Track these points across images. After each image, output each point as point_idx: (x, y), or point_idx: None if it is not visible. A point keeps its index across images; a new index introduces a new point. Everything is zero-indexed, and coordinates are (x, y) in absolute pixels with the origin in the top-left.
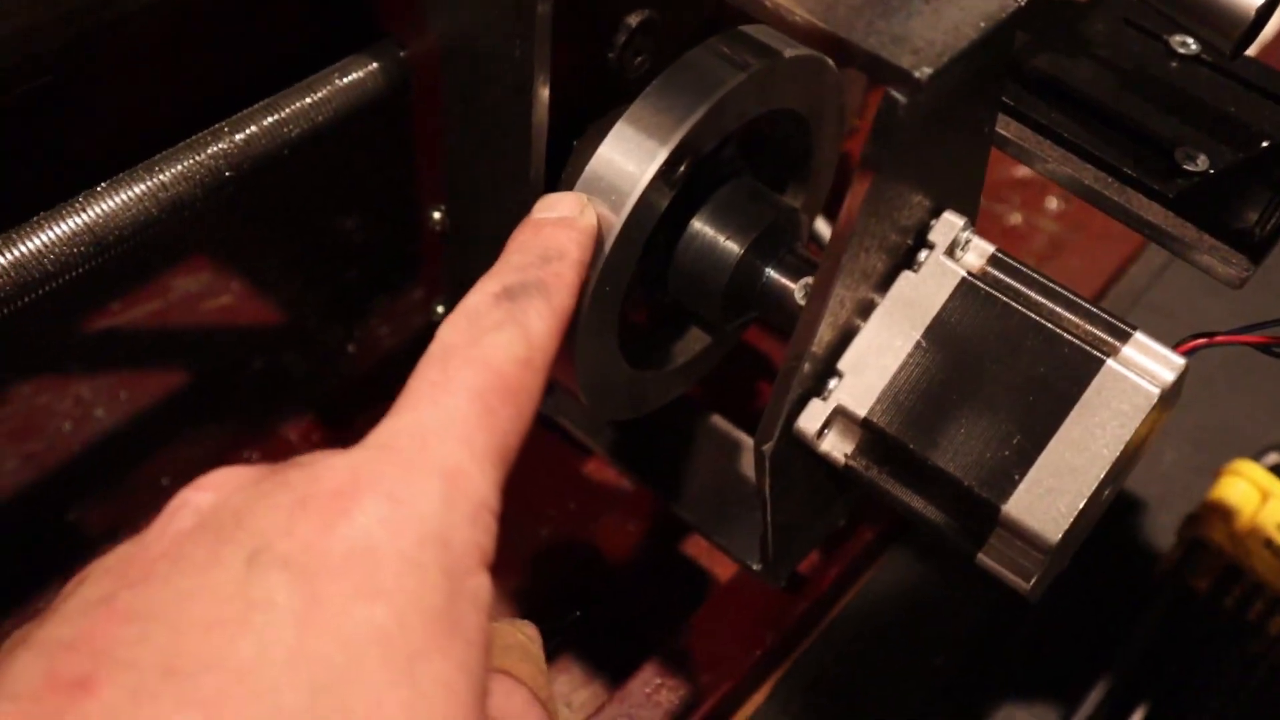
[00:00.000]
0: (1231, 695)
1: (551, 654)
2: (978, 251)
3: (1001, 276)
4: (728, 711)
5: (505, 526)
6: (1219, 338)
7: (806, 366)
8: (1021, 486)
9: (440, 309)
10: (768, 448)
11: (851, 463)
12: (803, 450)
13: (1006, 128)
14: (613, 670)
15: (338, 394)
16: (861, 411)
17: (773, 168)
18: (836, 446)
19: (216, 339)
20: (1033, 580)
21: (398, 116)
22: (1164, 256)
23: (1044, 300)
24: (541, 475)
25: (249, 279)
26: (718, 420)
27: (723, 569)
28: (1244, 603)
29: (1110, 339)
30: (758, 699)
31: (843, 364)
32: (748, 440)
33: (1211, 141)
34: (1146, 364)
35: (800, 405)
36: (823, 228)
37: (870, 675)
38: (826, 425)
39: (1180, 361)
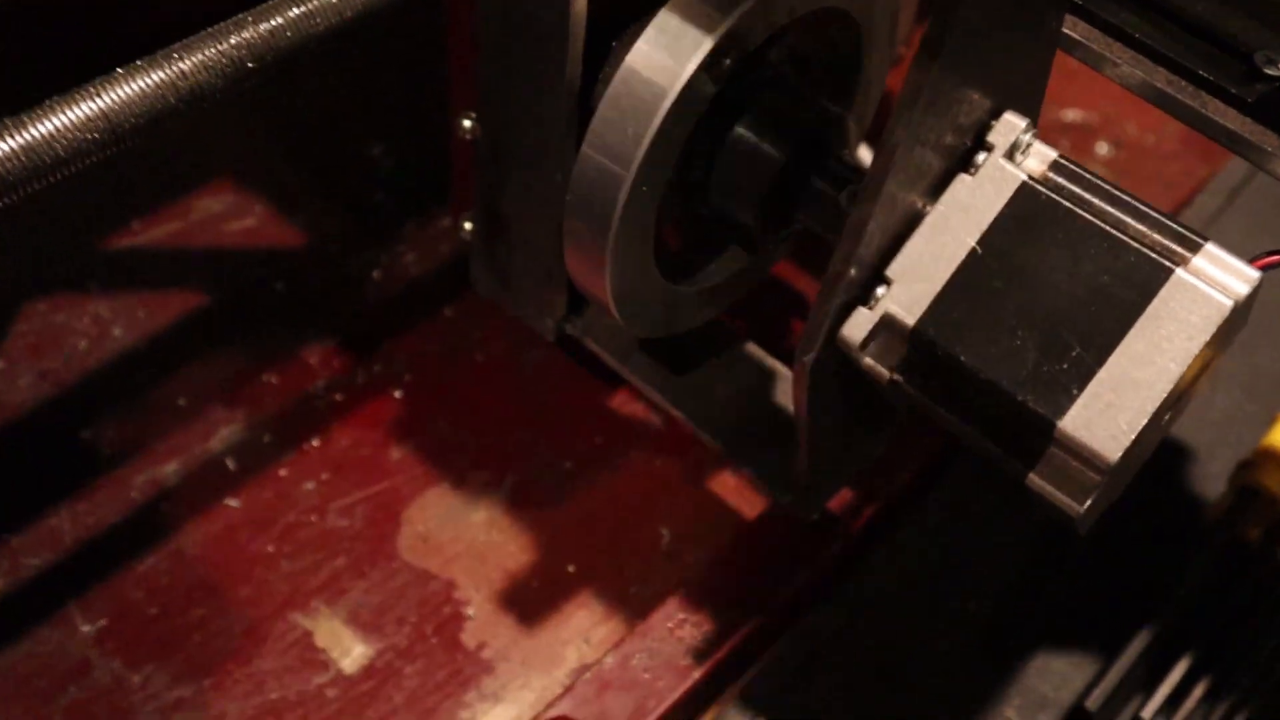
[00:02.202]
0: (1277, 652)
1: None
2: (1039, 156)
3: (1064, 182)
4: (754, 651)
5: (528, 459)
6: None
7: (853, 272)
8: (1079, 402)
9: (467, 225)
10: (809, 358)
11: (897, 378)
12: (845, 365)
13: (1074, 28)
14: (634, 607)
15: (361, 319)
16: (910, 320)
17: (820, 81)
18: (882, 359)
19: (238, 261)
20: (1086, 504)
21: (429, 16)
22: (1218, 202)
23: (1109, 208)
24: (566, 408)
25: (273, 202)
26: (752, 348)
27: (751, 508)
28: None
29: (1180, 249)
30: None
31: (892, 271)
32: (783, 369)
33: None
34: (1218, 275)
35: (845, 313)
36: (865, 155)
37: (902, 620)
38: (872, 336)
39: (1254, 274)
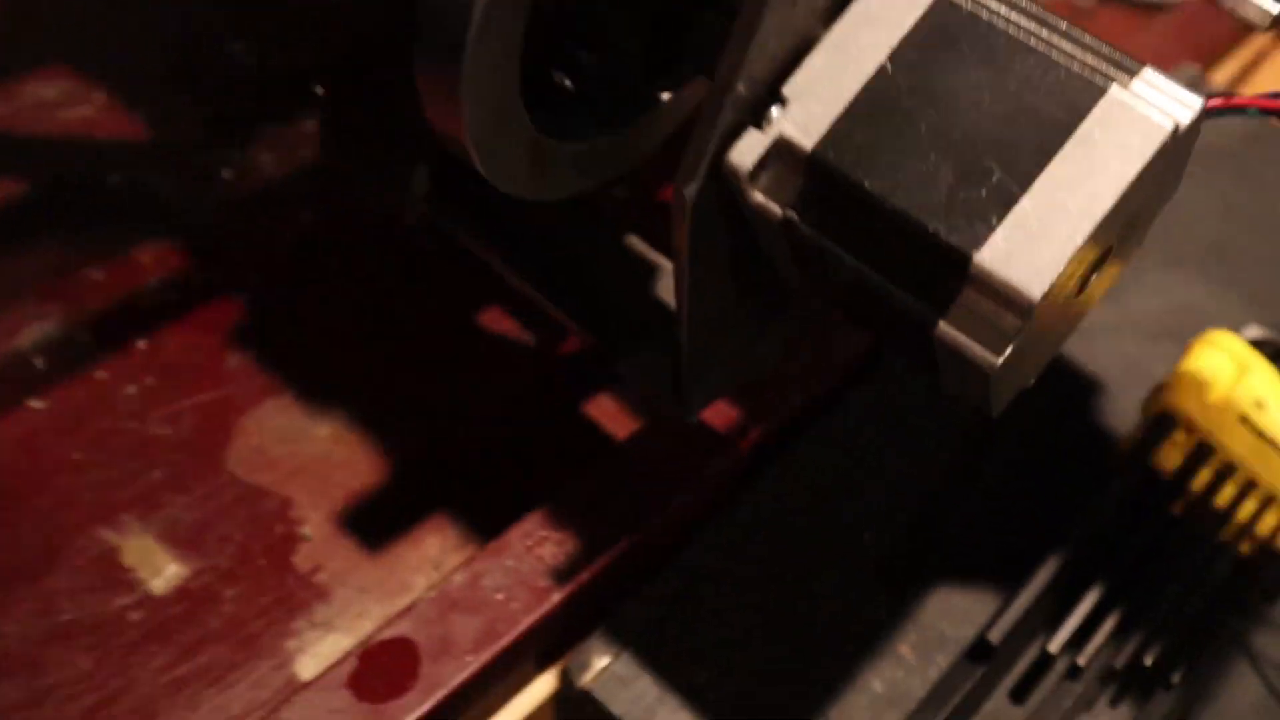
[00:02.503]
0: (1194, 585)
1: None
2: None
3: (983, 1)
4: (625, 576)
5: (381, 371)
6: (1244, 99)
7: (742, 87)
8: (999, 232)
9: (321, 90)
10: (691, 189)
11: (791, 214)
12: (731, 211)
13: None
14: (493, 533)
15: (205, 218)
16: (808, 144)
17: None
18: (774, 193)
19: (70, 151)
20: (1004, 354)
21: None
22: None
23: (1037, 27)
24: (430, 319)
25: (115, 92)
26: (633, 240)
27: (624, 429)
28: (1213, 486)
29: (1116, 71)
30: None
31: (788, 88)
32: (665, 263)
33: None
34: (1157, 99)
35: (732, 137)
36: None
37: (791, 551)
38: (764, 164)
39: (1197, 101)
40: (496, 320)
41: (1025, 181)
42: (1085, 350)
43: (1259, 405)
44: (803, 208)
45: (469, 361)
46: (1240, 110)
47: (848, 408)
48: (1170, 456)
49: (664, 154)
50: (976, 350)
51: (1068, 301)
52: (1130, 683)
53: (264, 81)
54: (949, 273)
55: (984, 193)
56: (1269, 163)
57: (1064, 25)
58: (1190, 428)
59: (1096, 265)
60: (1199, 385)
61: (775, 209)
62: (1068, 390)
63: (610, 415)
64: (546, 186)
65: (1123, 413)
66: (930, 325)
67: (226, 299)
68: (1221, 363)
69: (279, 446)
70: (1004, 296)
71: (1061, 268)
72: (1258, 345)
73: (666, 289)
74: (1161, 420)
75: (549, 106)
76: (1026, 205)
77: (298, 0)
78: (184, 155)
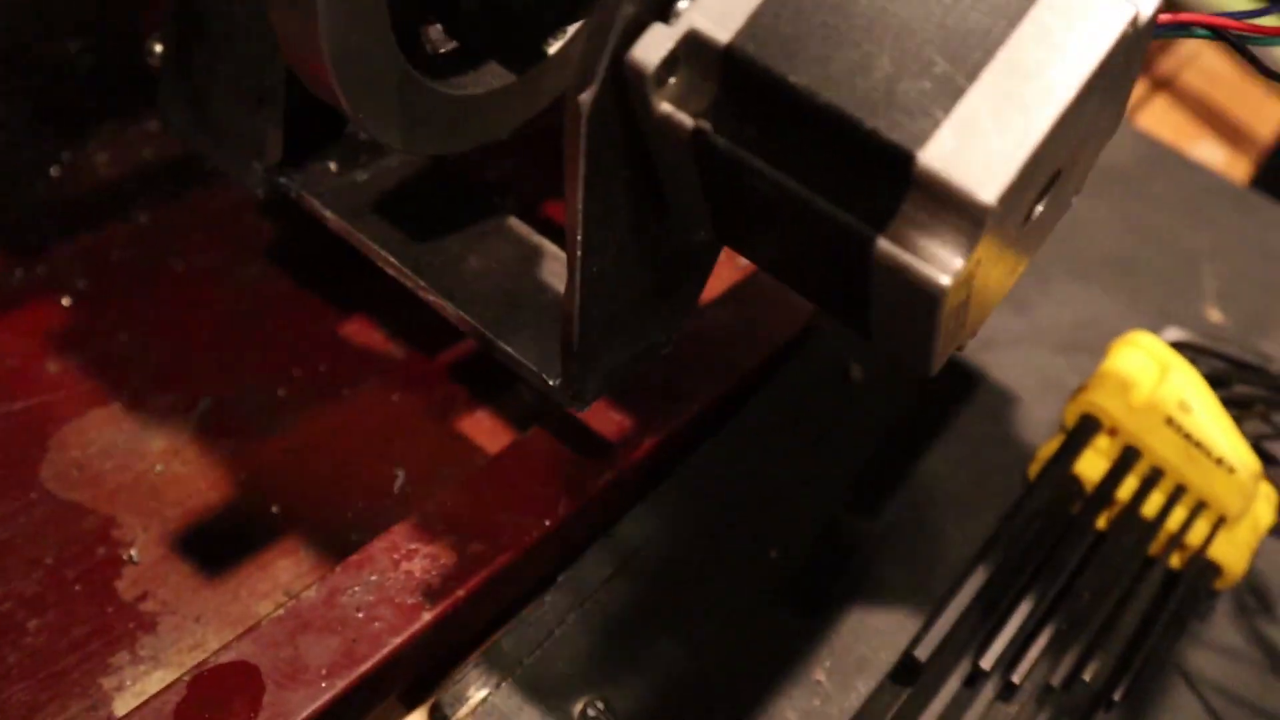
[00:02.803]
0: (1124, 600)
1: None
2: None
3: None
4: (508, 593)
5: (230, 382)
6: (1191, 16)
7: None
8: (945, 128)
9: (158, 46)
10: (587, 95)
11: (704, 124)
12: (631, 134)
13: None
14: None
15: (29, 216)
16: (724, 36)
17: None
18: (684, 102)
19: None
20: (954, 271)
21: None
22: None
23: None
24: (284, 330)
25: None
26: (515, 222)
27: (502, 446)
28: (1140, 493)
29: None
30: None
31: None
32: (549, 246)
33: None
34: None
35: (634, 35)
36: None
37: (691, 570)
38: (671, 64)
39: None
40: (361, 316)
41: (973, 71)
42: (996, 362)
43: (1183, 407)
44: (717, 116)
45: (330, 364)
46: (1186, 28)
47: (747, 414)
48: (1094, 464)
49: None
50: (922, 271)
51: (1016, 233)
52: (1068, 703)
53: (103, 78)
54: (889, 178)
55: (926, 84)
56: (1162, 180)
57: None
58: (1115, 430)
59: (1045, 190)
60: (1122, 386)
61: (684, 119)
62: (981, 402)
63: (488, 429)
64: (416, 133)
65: (1038, 424)
66: (867, 244)
67: (50, 301)
68: (1144, 363)
69: (103, 461)
70: (954, 201)
71: (1019, 167)
72: (1178, 347)
73: (552, 272)
74: (1085, 424)
75: (427, 55)
76: (975, 98)
77: None
78: (5, 151)
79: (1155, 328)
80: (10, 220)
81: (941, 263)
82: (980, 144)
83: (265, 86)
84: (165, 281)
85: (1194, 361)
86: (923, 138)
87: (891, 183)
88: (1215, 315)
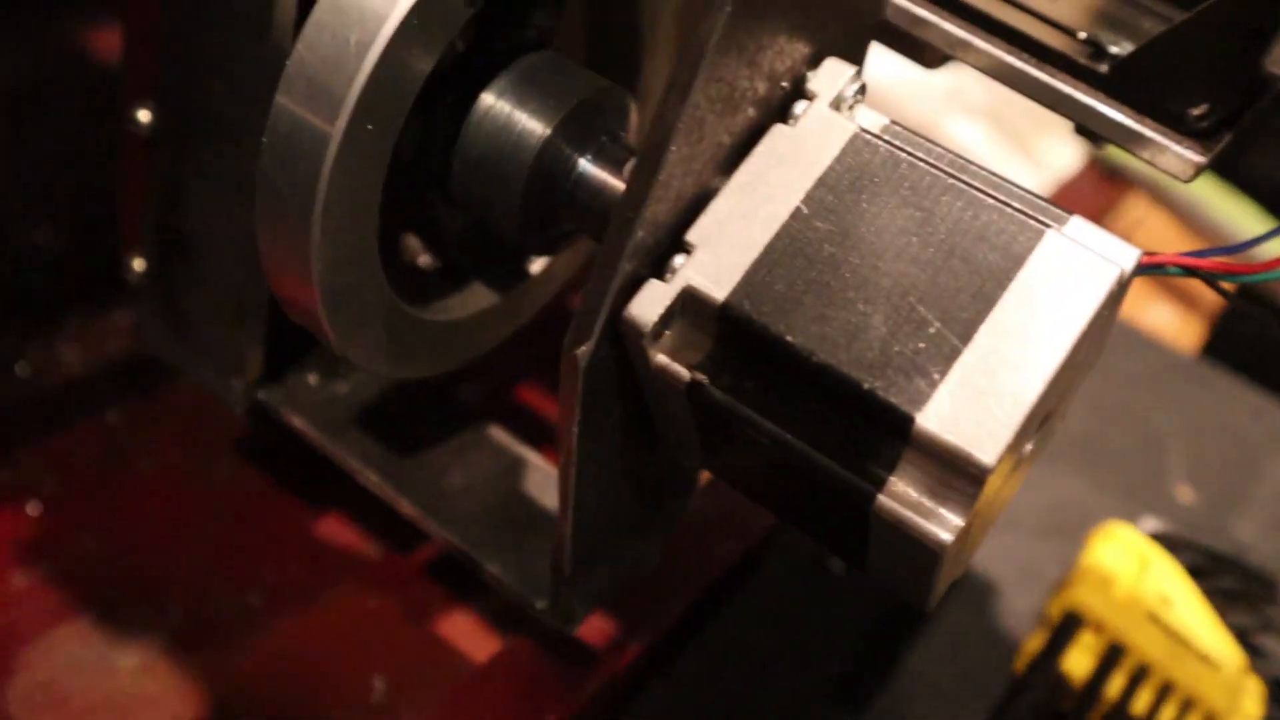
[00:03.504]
0: None
1: None
2: (869, 118)
3: (903, 142)
4: None
5: (201, 591)
6: (1167, 257)
7: (640, 234)
8: (942, 389)
9: (137, 264)
10: (584, 349)
11: (700, 377)
12: (626, 378)
13: (925, 9)
14: None
15: None
16: (719, 294)
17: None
18: (680, 354)
19: None
20: (954, 533)
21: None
22: None
23: (958, 170)
24: (257, 532)
25: None
26: (496, 431)
27: (484, 650)
28: (1129, 691)
29: (1045, 218)
30: None
31: (693, 235)
32: (531, 457)
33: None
34: (1096, 244)
35: (630, 291)
36: None
37: None
38: (667, 319)
39: (1135, 251)
40: (333, 512)
41: (966, 332)
42: None
43: (1165, 601)
44: (713, 369)
45: (303, 567)
46: (1161, 268)
47: (727, 614)
48: (1080, 661)
49: (521, 337)
50: (923, 528)
51: (1010, 471)
52: None
53: (68, 269)
54: (888, 437)
55: (921, 345)
56: (1121, 355)
57: (983, 169)
58: (1099, 628)
59: (1038, 430)
60: (1102, 581)
61: (680, 371)
62: (961, 592)
63: (468, 631)
64: (403, 362)
65: (1019, 615)
66: (866, 501)
67: (14, 509)
68: (1121, 556)
69: (72, 680)
70: (953, 462)
71: (1016, 428)
72: (1156, 539)
73: (535, 484)
74: (1068, 621)
75: (408, 273)
76: (970, 359)
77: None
78: None
79: (1128, 510)
80: None
81: (942, 520)
82: (977, 405)
83: (247, 305)
84: (134, 483)
85: (1173, 552)
86: (920, 399)
87: (890, 442)
88: (1187, 494)
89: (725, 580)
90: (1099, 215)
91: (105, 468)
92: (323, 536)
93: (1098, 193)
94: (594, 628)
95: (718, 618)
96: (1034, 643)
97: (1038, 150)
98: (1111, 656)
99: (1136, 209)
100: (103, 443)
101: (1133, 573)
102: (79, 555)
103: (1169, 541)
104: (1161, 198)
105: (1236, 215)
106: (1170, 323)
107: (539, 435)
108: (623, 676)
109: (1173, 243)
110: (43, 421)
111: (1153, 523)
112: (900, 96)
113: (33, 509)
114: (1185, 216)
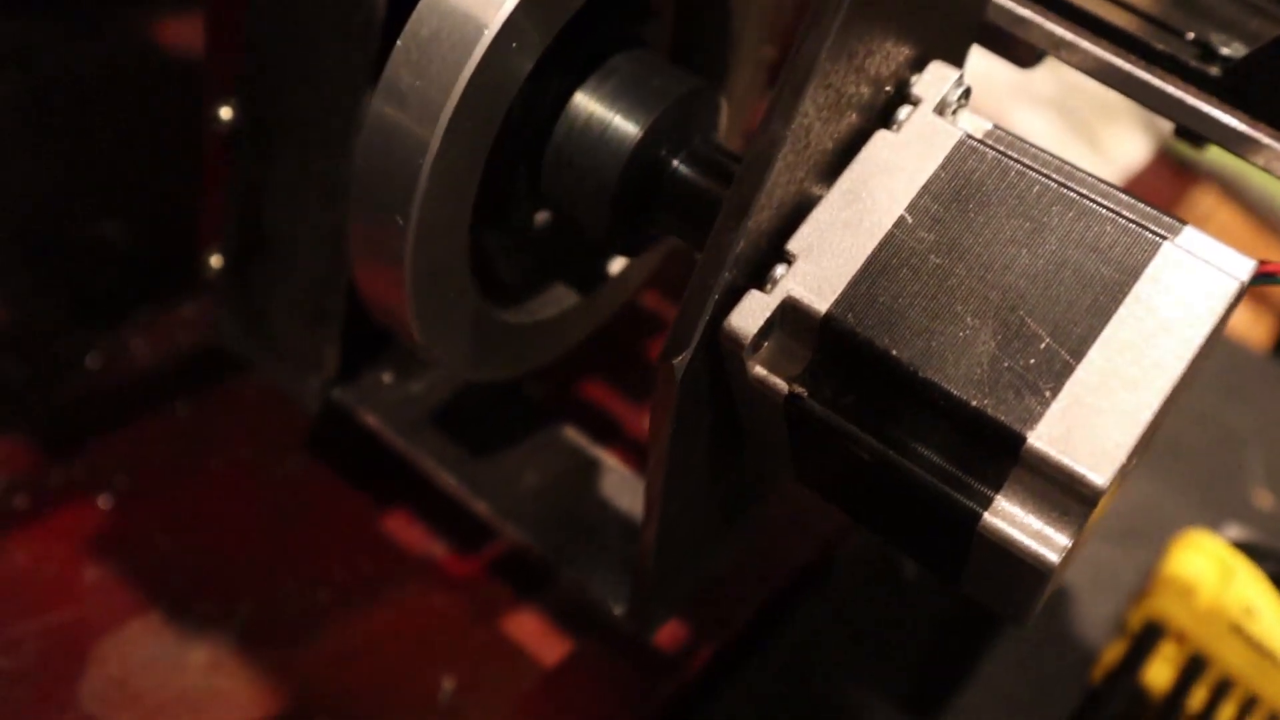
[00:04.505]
0: None
1: None
2: (973, 123)
3: (1010, 150)
4: None
5: (271, 587)
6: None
7: (741, 244)
8: (1054, 408)
9: (214, 260)
10: (681, 358)
11: (799, 390)
12: (719, 388)
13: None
14: None
15: (65, 411)
16: (821, 306)
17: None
18: (777, 366)
19: None
20: (1063, 549)
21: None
22: None
23: (1067, 178)
24: (325, 528)
25: None
26: (570, 432)
27: (554, 652)
28: (1211, 705)
29: (1158, 228)
30: None
31: (794, 244)
32: (605, 459)
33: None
34: (1211, 256)
35: (729, 301)
36: None
37: None
38: (766, 330)
39: (1250, 261)
40: (400, 509)
41: (1079, 348)
42: None
43: (1249, 612)
44: (813, 382)
45: (371, 564)
46: (1274, 277)
47: (800, 620)
48: (1160, 672)
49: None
50: (1029, 548)
51: (1116, 489)
52: None
53: (137, 262)
54: (995, 456)
55: (1032, 361)
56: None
57: (1091, 176)
58: (1181, 639)
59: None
60: (1184, 591)
61: (779, 383)
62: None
63: (536, 631)
64: (490, 363)
65: (1096, 622)
66: (971, 520)
67: (86, 502)
68: (1204, 566)
69: (145, 676)
70: (1064, 483)
71: (1130, 447)
72: (1238, 547)
73: (611, 486)
74: (1149, 631)
75: (492, 274)
76: (1083, 375)
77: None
78: (41, 341)
79: (1205, 514)
80: (48, 417)
81: (1049, 541)
82: (1090, 424)
83: (325, 303)
84: (203, 478)
85: (1256, 561)
86: (1031, 418)
87: (998, 460)
88: (1265, 498)
89: (796, 583)
90: (1167, 208)
91: (175, 462)
92: (390, 533)
93: (1166, 185)
94: (665, 631)
95: (788, 622)
96: (1113, 653)
97: (1105, 142)
98: (1193, 669)
99: (1205, 201)
100: (172, 436)
101: (1215, 582)
102: (149, 550)
103: (1252, 550)
104: (1230, 190)
105: None
106: (1238, 319)
107: (603, 433)
108: (693, 681)
109: (1242, 236)
110: (113, 414)
111: (1235, 530)
112: None
113: (104, 502)
114: (1255, 209)
